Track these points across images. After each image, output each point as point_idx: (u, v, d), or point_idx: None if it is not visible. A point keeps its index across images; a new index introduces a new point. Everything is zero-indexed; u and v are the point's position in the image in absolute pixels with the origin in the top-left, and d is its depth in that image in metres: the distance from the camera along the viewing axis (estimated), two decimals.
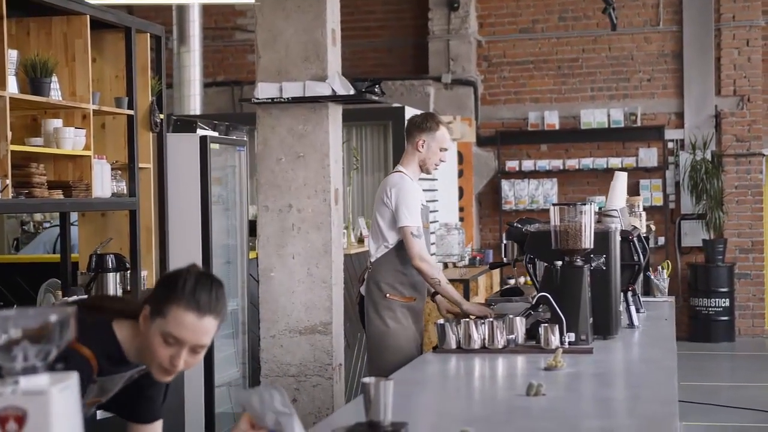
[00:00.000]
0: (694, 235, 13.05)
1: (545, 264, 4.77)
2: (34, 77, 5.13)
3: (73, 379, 1.89)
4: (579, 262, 4.59)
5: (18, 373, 1.85)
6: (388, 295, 5.46)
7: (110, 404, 3.01)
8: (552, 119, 13.34)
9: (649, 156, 13.11)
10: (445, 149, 5.57)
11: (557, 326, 4.40)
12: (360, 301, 5.68)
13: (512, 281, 10.74)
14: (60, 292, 5.80)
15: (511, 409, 3.35)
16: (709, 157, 12.83)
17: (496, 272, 11.36)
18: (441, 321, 4.54)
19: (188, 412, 6.35)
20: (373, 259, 5.55)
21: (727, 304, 12.70)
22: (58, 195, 5.30)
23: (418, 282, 5.47)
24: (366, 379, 2.82)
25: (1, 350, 1.85)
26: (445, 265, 10.67)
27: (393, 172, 5.64)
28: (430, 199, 10.43)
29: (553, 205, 4.67)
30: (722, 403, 9.08)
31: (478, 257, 11.24)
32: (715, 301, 12.66)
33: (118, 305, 2.94)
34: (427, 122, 5.57)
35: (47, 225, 8.95)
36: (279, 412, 2.48)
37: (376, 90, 5.99)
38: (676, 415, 3.10)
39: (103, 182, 5.63)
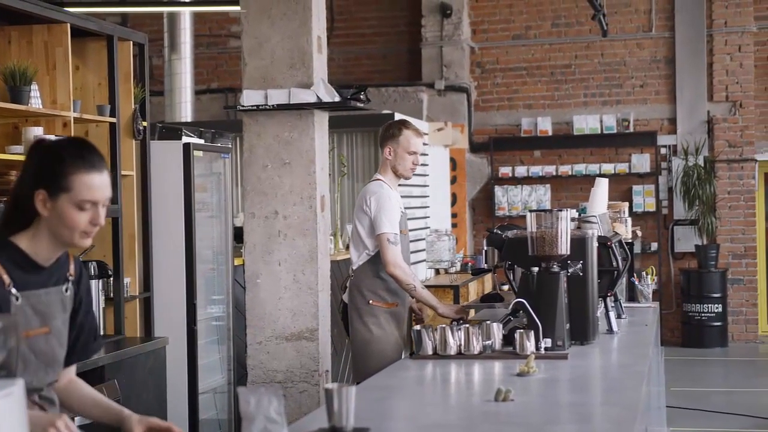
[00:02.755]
0: (686, 240, 13.05)
1: (522, 270, 4.78)
2: (13, 85, 5.15)
3: (17, 386, 1.90)
4: (555, 268, 4.60)
5: None
6: (371, 301, 5.50)
7: None
8: (545, 125, 13.36)
9: (641, 162, 13.11)
10: (414, 152, 5.58)
11: (533, 332, 4.41)
12: (343, 309, 5.70)
13: (506, 287, 10.70)
14: None
15: (477, 415, 3.37)
16: (701, 162, 12.83)
17: (488, 278, 11.35)
18: (417, 327, 4.55)
19: (171, 419, 6.34)
20: (354, 267, 5.58)
21: (720, 309, 12.69)
22: None
23: (400, 288, 5.50)
24: (328, 385, 2.85)
25: None
26: (437, 272, 10.68)
27: (371, 180, 5.67)
28: (421, 206, 10.49)
29: (530, 211, 4.69)
30: (714, 409, 9.08)
31: (470, 263, 11.23)
32: (708, 307, 12.66)
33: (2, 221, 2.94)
34: (389, 130, 5.62)
35: None
36: (270, 419, 2.49)
37: (361, 97, 6.00)
38: (636, 419, 3.11)
39: None
